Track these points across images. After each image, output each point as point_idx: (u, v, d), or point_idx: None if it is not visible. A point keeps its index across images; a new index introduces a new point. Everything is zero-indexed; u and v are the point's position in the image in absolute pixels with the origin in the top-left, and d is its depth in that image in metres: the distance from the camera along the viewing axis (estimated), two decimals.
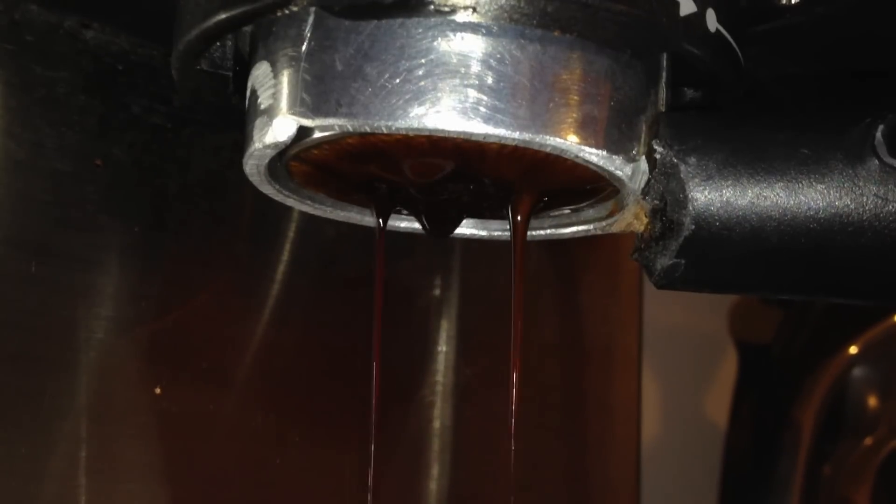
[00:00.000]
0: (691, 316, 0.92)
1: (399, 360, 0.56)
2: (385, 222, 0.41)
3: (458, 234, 0.44)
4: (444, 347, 0.57)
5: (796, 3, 0.39)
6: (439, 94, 0.33)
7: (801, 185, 0.34)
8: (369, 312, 0.54)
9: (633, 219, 0.38)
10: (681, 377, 0.94)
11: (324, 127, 0.34)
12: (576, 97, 0.34)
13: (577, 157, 0.34)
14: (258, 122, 0.36)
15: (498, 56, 0.33)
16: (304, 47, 0.34)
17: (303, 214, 0.44)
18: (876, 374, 0.87)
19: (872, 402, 0.88)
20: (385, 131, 0.34)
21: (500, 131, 0.33)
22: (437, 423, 0.57)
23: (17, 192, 0.42)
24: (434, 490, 0.56)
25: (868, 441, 0.87)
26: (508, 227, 0.41)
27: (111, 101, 0.44)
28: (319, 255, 0.51)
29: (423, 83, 0.33)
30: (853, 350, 0.86)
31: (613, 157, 0.35)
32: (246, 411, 0.49)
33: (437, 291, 0.57)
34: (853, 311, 0.86)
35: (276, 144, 0.35)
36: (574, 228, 0.42)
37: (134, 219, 0.45)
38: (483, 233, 0.44)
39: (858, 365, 0.86)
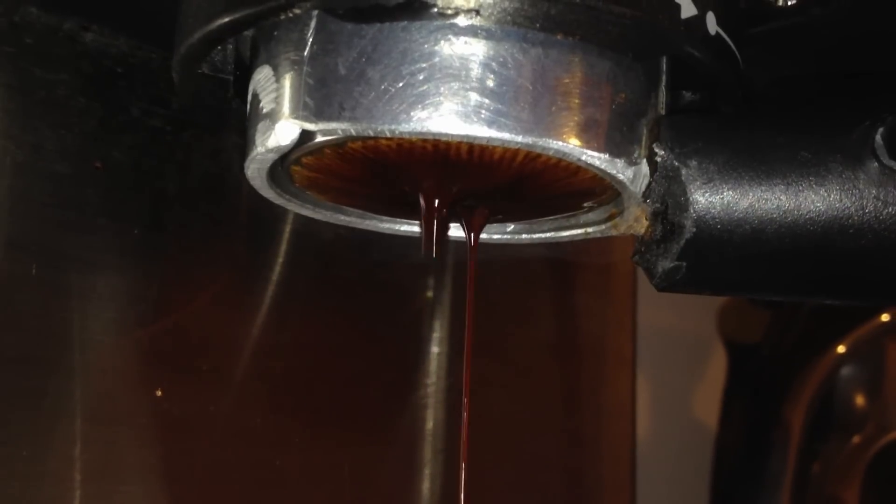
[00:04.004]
0: (683, 317, 0.93)
1: (393, 361, 0.56)
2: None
3: (455, 236, 0.45)
4: (437, 349, 0.57)
5: (792, 5, 0.39)
6: (442, 98, 0.33)
7: (801, 187, 0.35)
8: (367, 313, 0.55)
9: (633, 221, 0.38)
10: (673, 377, 0.94)
11: (327, 131, 0.34)
12: (578, 100, 0.34)
13: (579, 160, 0.35)
14: (260, 125, 0.36)
15: (500, 59, 0.33)
16: (306, 51, 0.34)
17: (300, 216, 0.44)
18: (863, 373, 0.87)
19: (860, 400, 0.88)
20: (388, 135, 0.34)
21: (503, 135, 0.33)
22: (430, 425, 0.57)
23: (17, 194, 0.42)
24: (427, 491, 0.56)
25: (856, 439, 0.87)
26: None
27: (111, 104, 0.44)
28: (317, 257, 0.51)
29: (425, 87, 0.33)
30: (841, 349, 0.86)
31: (615, 160, 0.35)
32: (246, 412, 0.49)
33: (430, 293, 0.57)
34: (841, 311, 0.86)
35: (278, 148, 0.35)
36: (574, 231, 0.43)
37: (133, 221, 0.45)
38: (482, 235, 0.44)
39: (846, 364, 0.87)
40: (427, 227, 0.40)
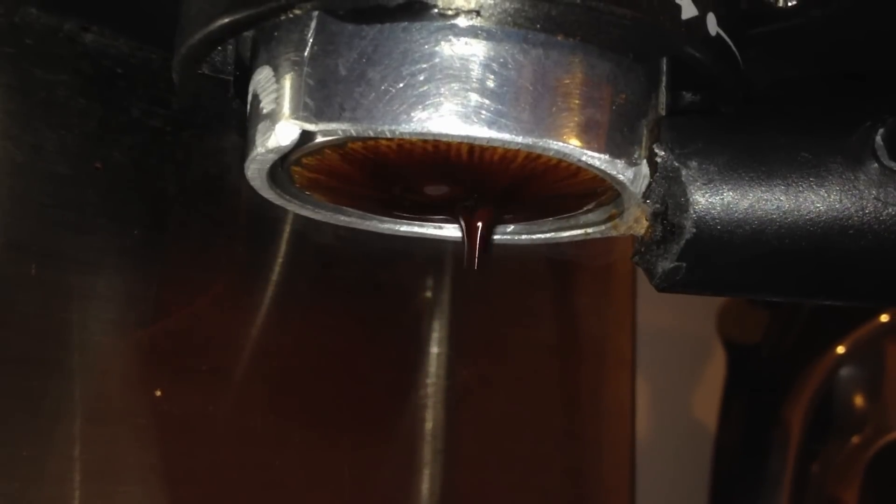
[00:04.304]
0: (683, 317, 0.93)
1: (392, 361, 0.56)
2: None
3: (456, 237, 0.45)
4: (436, 349, 0.57)
5: (792, 6, 0.39)
6: (442, 99, 0.33)
7: (801, 188, 0.35)
8: (367, 314, 0.55)
9: (633, 222, 0.38)
10: (672, 377, 0.94)
11: (327, 132, 0.34)
12: (578, 101, 0.34)
13: (579, 161, 0.35)
14: (261, 126, 0.36)
15: (501, 60, 0.33)
16: (306, 52, 0.34)
17: (300, 217, 0.44)
18: (863, 373, 0.88)
19: (859, 401, 0.88)
20: (389, 136, 0.34)
21: (504, 136, 0.33)
22: (430, 425, 0.57)
23: (17, 194, 0.42)
24: (427, 492, 0.56)
25: (855, 440, 0.88)
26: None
27: (111, 105, 0.44)
28: (317, 258, 0.51)
29: (426, 88, 0.33)
30: (840, 350, 0.86)
31: (616, 161, 0.35)
32: (245, 413, 0.49)
33: (430, 293, 0.57)
34: (840, 312, 0.87)
35: (278, 149, 0.35)
36: (574, 232, 0.42)
37: (133, 221, 0.45)
38: None
39: (846, 365, 0.87)
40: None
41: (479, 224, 0.41)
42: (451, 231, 0.44)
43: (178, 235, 0.47)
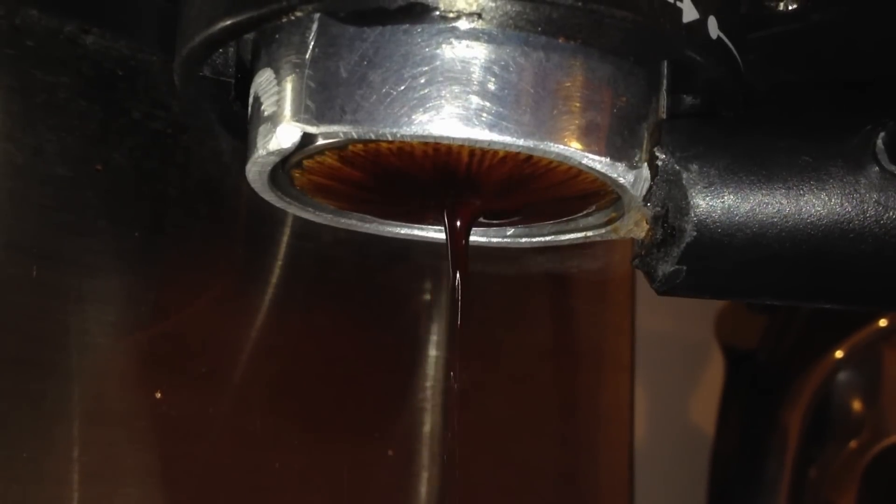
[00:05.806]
0: (681, 322, 0.93)
1: (391, 364, 0.56)
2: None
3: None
4: (435, 352, 0.57)
5: (792, 10, 0.39)
6: (443, 102, 0.33)
7: (801, 192, 0.35)
8: (365, 317, 0.55)
9: (633, 225, 0.38)
10: (671, 382, 0.94)
11: (328, 134, 0.34)
12: (579, 104, 0.34)
13: (580, 164, 0.35)
14: (262, 129, 0.36)
15: (502, 63, 0.33)
16: (308, 54, 0.34)
17: (300, 219, 0.44)
18: (860, 378, 0.87)
19: (857, 406, 0.88)
20: (389, 138, 0.34)
21: (505, 138, 0.33)
22: (428, 428, 0.57)
23: (17, 196, 0.42)
24: (426, 493, 0.56)
25: (853, 445, 0.88)
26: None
27: (111, 107, 0.44)
28: (317, 260, 0.51)
29: (427, 90, 0.33)
30: (838, 354, 0.86)
31: (616, 164, 0.35)
32: (245, 415, 0.49)
33: (428, 296, 0.57)
34: (838, 316, 0.87)
35: (279, 151, 0.35)
36: (574, 235, 0.43)
37: (134, 223, 0.45)
38: (482, 239, 0.44)
39: (843, 369, 0.87)
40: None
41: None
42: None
43: (177, 238, 0.47)
